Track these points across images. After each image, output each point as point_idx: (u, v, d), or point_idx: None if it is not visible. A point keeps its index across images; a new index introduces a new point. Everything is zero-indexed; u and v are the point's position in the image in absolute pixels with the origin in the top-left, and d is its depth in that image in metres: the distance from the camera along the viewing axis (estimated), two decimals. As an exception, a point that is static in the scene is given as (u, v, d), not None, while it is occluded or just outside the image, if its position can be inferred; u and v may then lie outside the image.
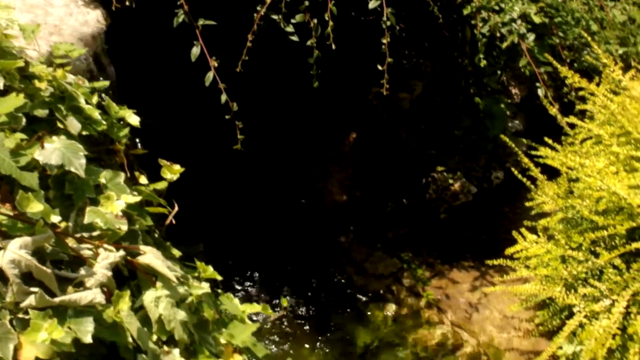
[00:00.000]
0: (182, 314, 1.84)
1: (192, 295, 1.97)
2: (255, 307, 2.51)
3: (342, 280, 5.25)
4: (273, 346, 4.64)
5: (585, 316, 4.25)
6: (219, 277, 2.42)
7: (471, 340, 4.94)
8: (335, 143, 5.80)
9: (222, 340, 2.09)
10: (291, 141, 5.65)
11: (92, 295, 1.64)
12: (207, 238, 5.11)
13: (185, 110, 5.16)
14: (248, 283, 5.00)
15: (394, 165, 5.74)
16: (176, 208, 2.57)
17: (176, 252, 2.49)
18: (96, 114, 2.35)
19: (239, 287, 4.95)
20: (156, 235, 2.43)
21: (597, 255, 4.26)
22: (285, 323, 4.81)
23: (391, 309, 5.10)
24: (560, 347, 4.38)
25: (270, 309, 2.67)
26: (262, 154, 5.44)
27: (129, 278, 1.93)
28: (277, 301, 4.86)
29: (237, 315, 2.35)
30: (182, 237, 4.64)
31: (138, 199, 2.12)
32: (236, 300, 2.46)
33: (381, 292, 5.22)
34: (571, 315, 4.33)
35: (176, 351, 1.79)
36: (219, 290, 2.51)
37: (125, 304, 1.72)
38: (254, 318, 4.69)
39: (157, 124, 4.33)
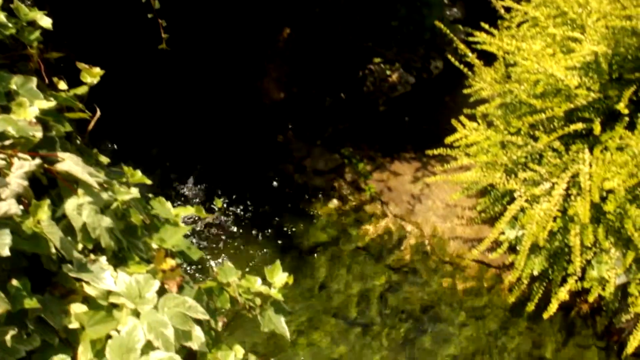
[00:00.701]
0: (107, 221, 1.79)
1: (118, 201, 1.91)
2: (189, 210, 2.46)
3: (283, 179, 5.23)
4: (214, 248, 4.64)
5: (526, 200, 4.32)
6: (148, 182, 2.36)
7: (415, 231, 5.00)
8: (269, 40, 5.67)
9: (154, 245, 2.05)
10: (223, 41, 5.51)
11: (7, 206, 1.57)
12: (143, 141, 5.03)
13: (113, 12, 4.97)
14: (186, 185, 4.95)
15: (330, 59, 5.65)
16: (98, 113, 2.47)
17: (103, 159, 2.42)
18: (2, 17, 2.22)
19: (176, 190, 4.90)
20: (78, 141, 2.35)
21: (536, 139, 4.30)
22: (226, 224, 4.80)
23: (334, 204, 5.12)
24: (503, 233, 4.46)
25: (206, 211, 2.63)
26: (194, 55, 5.31)
27: (49, 187, 1.86)
28: (223, 204, 4.85)
29: (170, 219, 2.31)
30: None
31: (53, 104, 2.03)
32: (168, 204, 2.41)
33: (323, 188, 5.22)
34: (512, 200, 4.40)
35: (103, 259, 1.74)
36: (150, 195, 2.45)
37: (44, 213, 1.65)
38: (198, 220, 4.68)
39: (79, 27, 4.18)
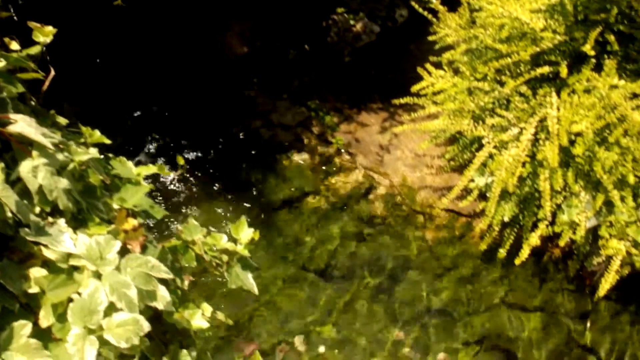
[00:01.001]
0: (64, 182, 1.76)
1: (74, 162, 1.88)
2: (151, 169, 2.43)
3: (250, 134, 5.20)
4: (180, 206, 4.61)
5: (495, 147, 4.33)
6: (107, 141, 2.32)
7: (384, 182, 5.00)
8: (230, -7, 5.60)
9: (115, 206, 2.03)
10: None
11: (-42, 171, 1.54)
12: (105, 100, 4.97)
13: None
14: (150, 143, 4.90)
15: (293, 11, 5.59)
16: (52, 73, 2.42)
17: (61, 120, 2.38)
18: (-54, -25, 2.16)
19: (140, 148, 4.85)
20: (32, 103, 2.30)
21: (502, 85, 4.30)
22: (192, 181, 4.77)
23: (302, 158, 5.11)
24: (472, 180, 4.48)
25: (169, 168, 2.61)
26: (153, 10, 5.22)
27: (3, 150, 1.83)
28: (187, 161, 4.81)
29: (132, 179, 2.28)
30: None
31: (3, 64, 1.98)
32: (130, 163, 2.38)
33: (291, 142, 5.20)
34: (481, 147, 4.41)
35: (62, 221, 1.71)
36: (111, 155, 2.42)
37: (-2, 177, 1.63)
38: (162, 180, 4.64)
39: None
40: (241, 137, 5.14)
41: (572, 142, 4.08)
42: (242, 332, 4.15)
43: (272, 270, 4.50)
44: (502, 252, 4.50)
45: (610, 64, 4.10)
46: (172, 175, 4.40)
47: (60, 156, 1.84)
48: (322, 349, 4.21)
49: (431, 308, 4.50)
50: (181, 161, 2.89)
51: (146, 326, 1.57)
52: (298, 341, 4.22)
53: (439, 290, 4.59)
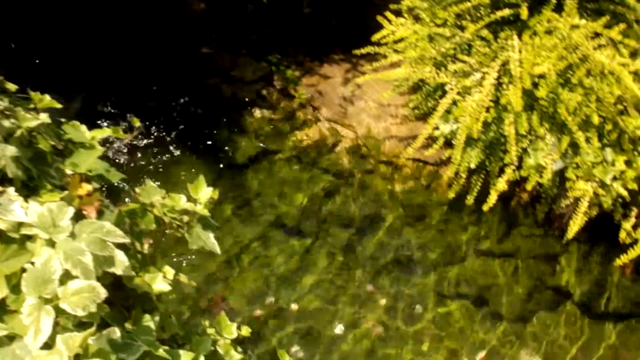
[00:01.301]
0: (12, 149, 1.73)
1: (22, 128, 1.84)
2: (106, 132, 2.39)
3: (211, 91, 5.14)
4: (139, 168, 4.57)
5: (458, 93, 4.32)
6: (58, 105, 2.28)
7: (349, 134, 4.99)
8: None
9: (68, 172, 1.99)
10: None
11: None
12: (58, 62, 4.88)
13: None
14: (108, 106, 4.83)
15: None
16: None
17: (11, 86, 2.33)
18: None
19: (97, 112, 4.77)
20: (-23, 69, 2.25)
21: (463, 29, 4.28)
22: (152, 142, 4.72)
23: (265, 114, 5.07)
24: (437, 128, 4.47)
25: (126, 130, 2.57)
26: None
27: (-54, 119, 1.79)
28: (144, 122, 4.76)
29: (86, 143, 2.24)
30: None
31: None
32: (83, 127, 2.33)
33: (252, 98, 5.16)
34: (444, 94, 4.40)
35: (11, 189, 1.68)
36: (63, 120, 2.38)
37: (-59, 147, 1.59)
38: (121, 142, 4.59)
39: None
40: (202, 95, 5.09)
41: (535, 85, 4.09)
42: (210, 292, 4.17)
43: (240, 228, 4.49)
44: (470, 199, 4.51)
45: (570, 3, 4.10)
46: (128, 137, 4.33)
47: (7, 123, 1.80)
48: (294, 306, 4.23)
49: (401, 259, 4.52)
50: (136, 122, 2.86)
51: (103, 292, 1.55)
52: (269, 299, 4.23)
53: (408, 241, 4.61)
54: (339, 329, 4.20)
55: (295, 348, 4.07)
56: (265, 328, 4.11)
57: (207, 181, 2.23)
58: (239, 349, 2.34)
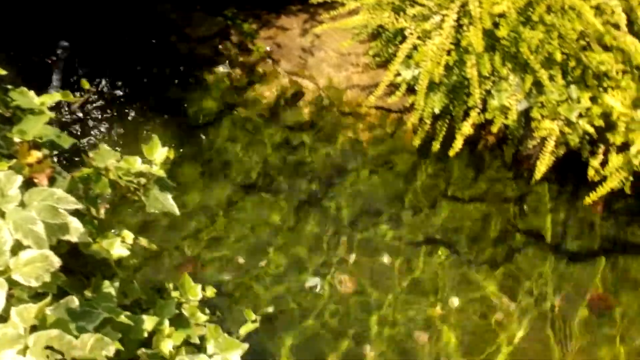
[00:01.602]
0: (-47, 119, 1.70)
1: (-39, 97, 1.81)
2: (55, 96, 2.35)
3: (166, 51, 5.06)
4: (94, 132, 4.51)
5: (418, 37, 4.30)
6: (2, 72, 2.24)
7: (310, 86, 4.95)
8: None
9: (16, 139, 1.96)
10: None
11: None
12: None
13: None
14: (57, 69, 4.72)
15: None
16: None
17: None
18: None
19: (46, 76, 4.68)
20: None
21: (420, -29, 4.24)
22: (106, 105, 4.65)
23: (223, 70, 5.01)
24: (399, 74, 4.45)
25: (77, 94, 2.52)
26: None
27: None
28: (96, 85, 4.69)
29: (35, 109, 2.21)
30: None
31: None
32: (31, 93, 2.30)
33: (210, 54, 5.09)
34: (404, 39, 4.37)
35: (-48, 164, 1.66)
36: (9, 86, 2.33)
37: None
38: (74, 108, 4.51)
39: None
40: (157, 55, 5.01)
41: (495, 25, 4.07)
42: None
43: (205, 188, 4.47)
44: (436, 145, 4.52)
45: (527, -61, 4.08)
46: (79, 101, 4.27)
47: (-53, 92, 1.76)
48: (264, 263, 4.24)
49: (370, 210, 4.53)
50: (86, 85, 2.80)
51: (57, 261, 1.53)
52: (240, 259, 4.23)
53: (376, 191, 4.61)
54: (311, 282, 4.22)
55: (268, 307, 4.09)
56: (236, 289, 4.12)
57: (167, 142, 2.21)
58: (207, 311, 2.34)
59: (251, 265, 4.23)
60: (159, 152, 2.12)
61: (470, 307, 4.28)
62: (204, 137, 4.69)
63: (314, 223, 4.44)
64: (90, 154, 2.11)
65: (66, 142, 2.13)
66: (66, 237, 1.66)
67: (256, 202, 4.48)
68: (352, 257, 4.33)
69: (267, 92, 4.92)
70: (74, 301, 1.59)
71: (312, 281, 4.23)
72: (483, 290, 4.33)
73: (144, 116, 4.70)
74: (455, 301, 4.28)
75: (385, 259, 4.36)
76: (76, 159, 3.93)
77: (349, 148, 4.75)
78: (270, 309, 4.09)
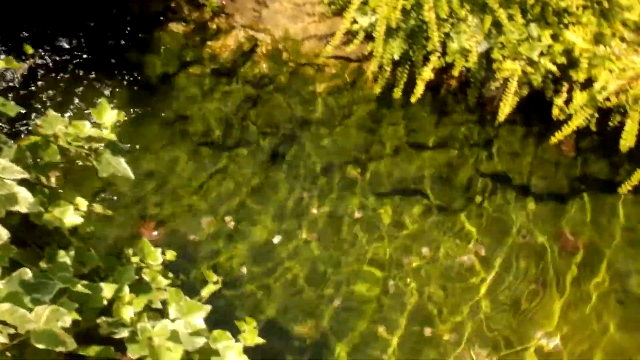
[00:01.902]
0: None
1: None
2: (-2, 64, 2.30)
3: (118, 10, 4.97)
4: (44, 98, 4.43)
5: (373, -18, 4.25)
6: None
7: (266, 39, 4.90)
8: None
9: (-43, 110, 1.92)
10: None
11: None
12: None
13: None
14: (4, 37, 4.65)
15: None
16: None
17: None
18: None
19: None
20: None
21: None
22: (58, 68, 4.57)
23: (177, 27, 4.95)
24: (355, 22, 4.41)
25: (19, 60, 2.47)
26: None
27: None
28: (45, 49, 4.59)
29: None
30: None
31: None
32: (-29, 61, 2.25)
33: (162, 12, 5.01)
34: (359, -15, 4.33)
35: None
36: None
37: None
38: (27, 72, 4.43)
39: None
40: (107, 15, 4.92)
41: (452, -35, 4.05)
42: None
43: (165, 149, 4.43)
44: (397, 92, 4.50)
45: None
46: (23, 67, 4.19)
47: None
48: (229, 220, 4.23)
49: (333, 162, 4.52)
50: (29, 50, 2.74)
51: (5, 233, 1.50)
52: (205, 218, 4.22)
53: (339, 142, 4.59)
54: (276, 239, 4.22)
55: (237, 265, 4.09)
56: (200, 248, 4.12)
57: (122, 104, 2.17)
58: (170, 275, 2.32)
59: (216, 222, 4.21)
60: (109, 115, 2.08)
61: (440, 253, 4.29)
62: (159, 96, 4.64)
63: (277, 177, 4.42)
64: (38, 121, 2.07)
65: (12, 110, 2.08)
66: (15, 208, 1.63)
67: (217, 158, 4.45)
68: (317, 209, 4.33)
69: (223, 48, 4.87)
70: (27, 273, 1.57)
71: (277, 237, 4.23)
72: (453, 238, 4.34)
73: (97, 79, 4.62)
74: (425, 250, 4.29)
75: (350, 210, 4.36)
76: (24, 128, 3.89)
77: (309, 99, 4.72)
78: (242, 266, 4.09)
